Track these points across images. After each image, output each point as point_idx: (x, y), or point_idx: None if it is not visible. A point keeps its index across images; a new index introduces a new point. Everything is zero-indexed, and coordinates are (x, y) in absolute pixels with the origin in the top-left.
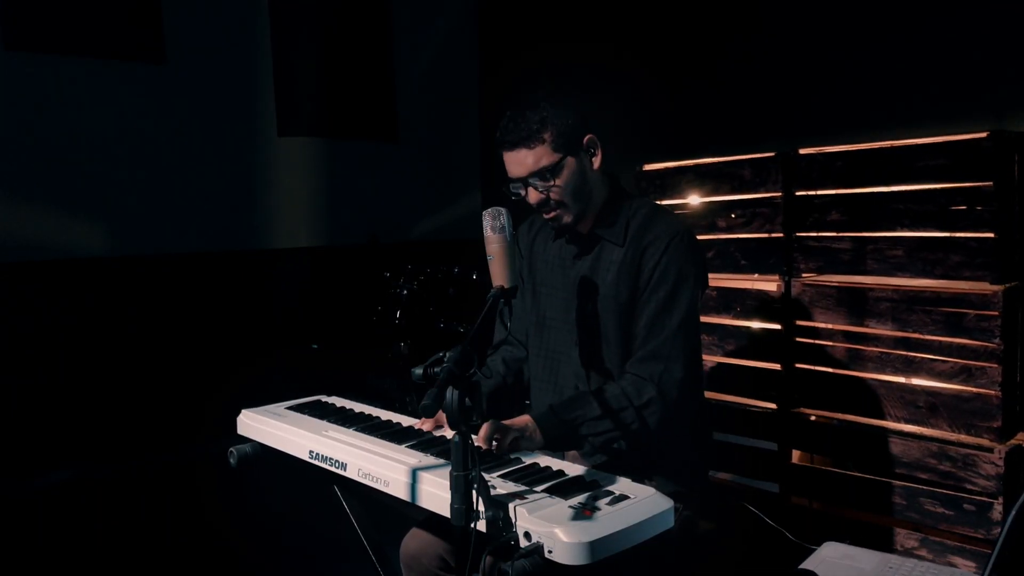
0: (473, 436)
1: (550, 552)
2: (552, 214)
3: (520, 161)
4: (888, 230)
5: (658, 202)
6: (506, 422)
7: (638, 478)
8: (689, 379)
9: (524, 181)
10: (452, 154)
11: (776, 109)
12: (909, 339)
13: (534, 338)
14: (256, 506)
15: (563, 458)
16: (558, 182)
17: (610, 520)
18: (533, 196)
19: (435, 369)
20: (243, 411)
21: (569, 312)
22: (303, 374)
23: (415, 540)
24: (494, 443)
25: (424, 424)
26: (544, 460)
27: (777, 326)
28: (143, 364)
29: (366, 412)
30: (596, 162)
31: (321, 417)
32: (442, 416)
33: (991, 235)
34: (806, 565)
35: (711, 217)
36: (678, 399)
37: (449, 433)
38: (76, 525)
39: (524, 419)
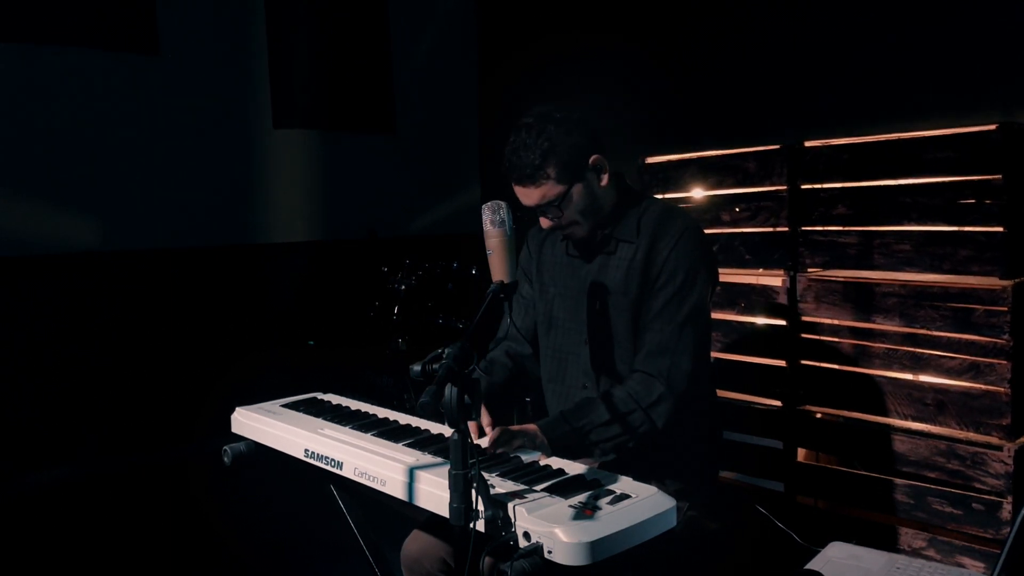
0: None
1: (550, 552)
2: (566, 232)
3: (527, 195)
4: (895, 224)
5: (661, 196)
6: (514, 428)
7: (645, 477)
8: (698, 372)
9: (534, 209)
10: (451, 147)
11: (781, 101)
12: (916, 335)
13: (543, 338)
14: (251, 506)
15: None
16: (567, 209)
17: (611, 520)
18: (545, 223)
19: (434, 366)
20: (237, 409)
21: (579, 312)
22: (299, 371)
23: (416, 542)
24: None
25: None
26: (544, 458)
27: (782, 322)
28: (136, 361)
29: (363, 410)
30: (604, 179)
31: (317, 415)
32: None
33: (1000, 229)
34: (811, 565)
35: (715, 211)
36: (687, 392)
37: (448, 431)
38: (69, 525)
39: (531, 428)
